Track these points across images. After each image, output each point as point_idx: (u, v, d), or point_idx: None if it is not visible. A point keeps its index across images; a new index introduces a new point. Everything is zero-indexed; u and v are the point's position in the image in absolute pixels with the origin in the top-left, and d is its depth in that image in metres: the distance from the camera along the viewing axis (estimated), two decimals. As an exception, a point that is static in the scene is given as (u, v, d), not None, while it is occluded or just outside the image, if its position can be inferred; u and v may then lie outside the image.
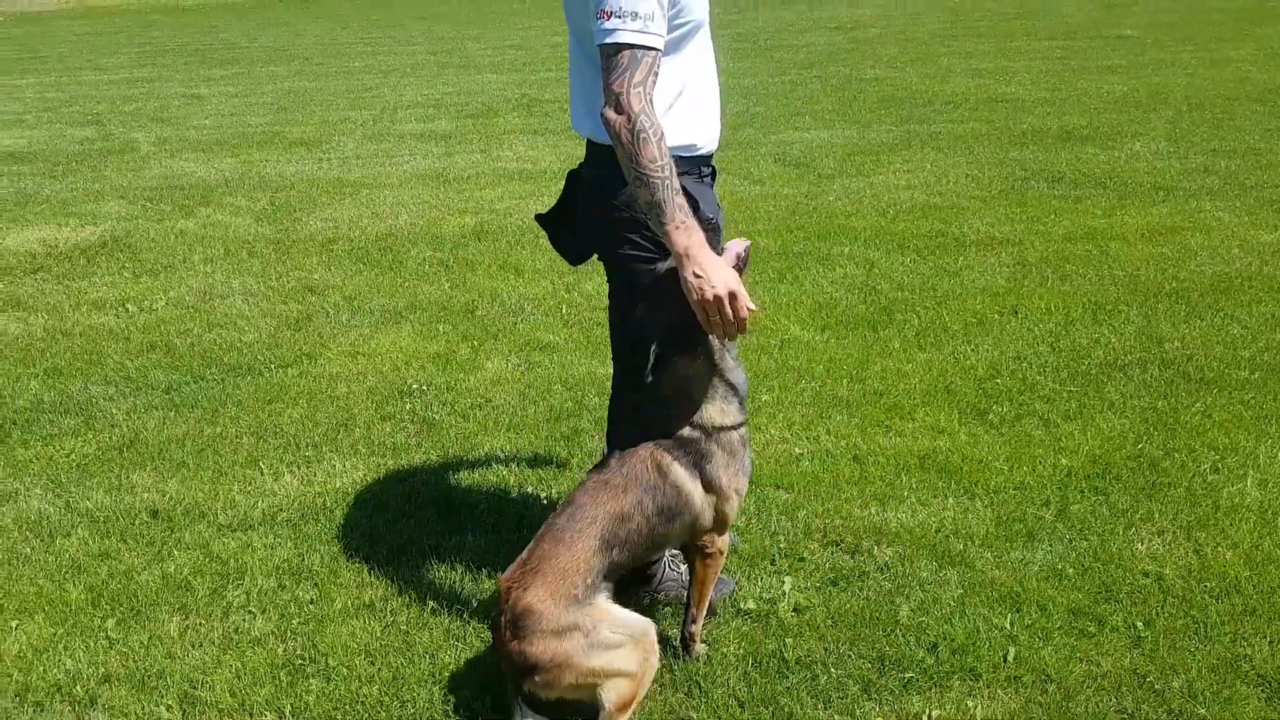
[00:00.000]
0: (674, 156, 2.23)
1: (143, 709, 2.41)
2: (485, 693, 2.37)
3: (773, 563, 2.84)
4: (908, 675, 2.40)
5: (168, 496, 3.35)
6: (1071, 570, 2.76)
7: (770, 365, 4.12)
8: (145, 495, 3.37)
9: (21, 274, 5.74)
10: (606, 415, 2.74)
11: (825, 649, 2.50)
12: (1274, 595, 2.63)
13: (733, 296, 2.13)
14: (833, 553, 2.88)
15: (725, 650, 2.50)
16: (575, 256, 2.59)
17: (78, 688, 2.48)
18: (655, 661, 2.23)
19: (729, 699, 2.35)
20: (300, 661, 2.55)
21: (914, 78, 10.87)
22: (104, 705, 2.43)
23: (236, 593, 2.84)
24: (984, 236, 5.59)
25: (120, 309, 5.12)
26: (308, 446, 3.64)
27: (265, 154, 8.62)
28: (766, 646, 2.51)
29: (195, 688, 2.47)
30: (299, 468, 3.51)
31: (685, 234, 2.12)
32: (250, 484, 3.42)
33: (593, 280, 5.15)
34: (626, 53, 2.09)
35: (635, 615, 2.26)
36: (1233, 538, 2.87)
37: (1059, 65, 11.29)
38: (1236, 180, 6.55)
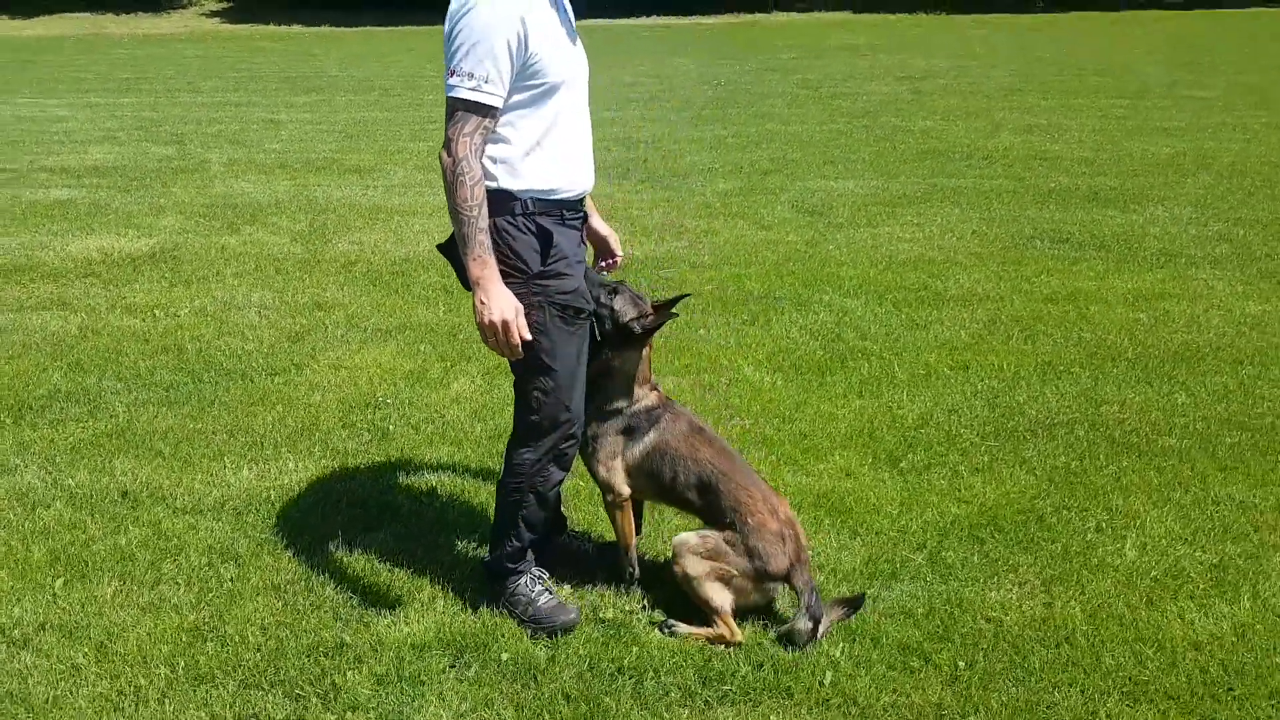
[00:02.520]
0: (533, 199, 2.61)
1: (63, 654, 2.80)
2: (353, 666, 2.70)
3: (634, 576, 3.09)
4: (726, 688, 2.63)
5: (139, 480, 3.78)
6: (920, 610, 2.95)
7: (711, 402, 4.38)
8: (121, 478, 3.80)
9: (75, 277, 6.35)
10: None
11: (662, 659, 2.74)
12: (1103, 649, 2.77)
13: (505, 325, 2.52)
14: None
15: (570, 651, 2.77)
16: (466, 282, 2.92)
17: (16, 632, 2.89)
18: None
19: (556, 694, 2.62)
20: (204, 628, 2.91)
21: (962, 131, 10.99)
22: (34, 648, 2.83)
23: (169, 566, 3.23)
24: (965, 292, 5.75)
25: (149, 314, 5.65)
26: (270, 446, 4.04)
27: (319, 179, 9.23)
28: (610, 652, 2.77)
29: (111, 640, 2.85)
30: (257, 464, 3.90)
31: (480, 266, 2.52)
32: (212, 475, 3.82)
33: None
34: (461, 105, 2.47)
35: None
36: (1087, 593, 3.02)
37: (1115, 125, 11.26)
38: (1248, 250, 6.55)
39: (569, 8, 2.75)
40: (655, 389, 3.01)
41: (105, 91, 15.96)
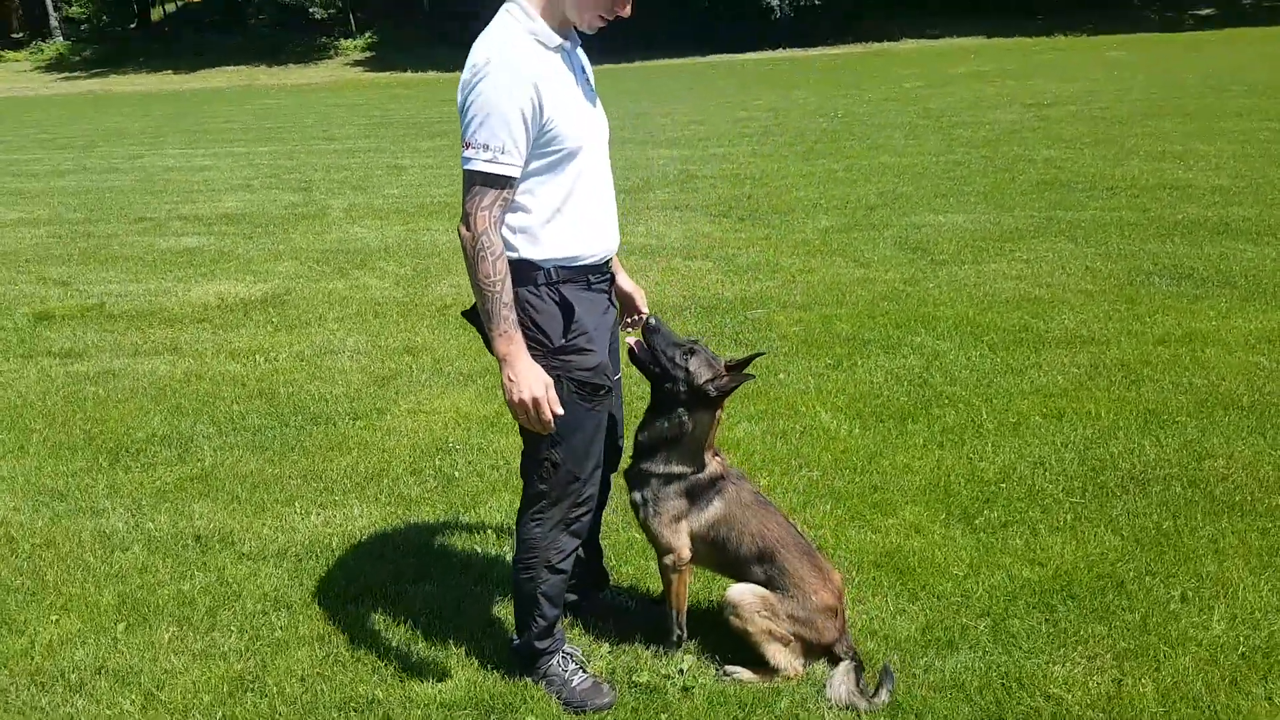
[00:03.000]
0: (556, 266, 2.57)
1: (113, 700, 2.93)
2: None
3: (682, 640, 3.01)
4: (753, 763, 2.53)
5: (213, 524, 3.95)
6: (974, 683, 2.77)
7: (782, 451, 4.26)
8: (197, 522, 3.98)
9: (190, 323, 6.75)
10: None
11: (688, 728, 2.66)
12: (1175, 735, 2.53)
13: (536, 403, 2.48)
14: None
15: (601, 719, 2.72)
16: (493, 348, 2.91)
17: (74, 675, 3.04)
18: None
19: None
20: (248, 678, 3.00)
21: (1088, 159, 10.48)
22: (87, 692, 2.97)
23: (225, 614, 3.34)
24: (1069, 334, 5.43)
25: (250, 358, 5.94)
26: (339, 491, 4.16)
27: (430, 223, 9.55)
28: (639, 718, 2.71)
29: (159, 689, 2.97)
30: (325, 509, 4.02)
31: (506, 342, 2.49)
32: (281, 520, 3.96)
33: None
34: (479, 178, 2.45)
35: None
36: (1163, 670, 2.77)
37: (1259, 151, 10.52)
38: (1401, 285, 5.97)
39: (588, 68, 2.75)
40: (718, 455, 2.95)
41: (247, 141, 17.03)
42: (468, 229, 2.47)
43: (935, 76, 20.92)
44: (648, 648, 3.00)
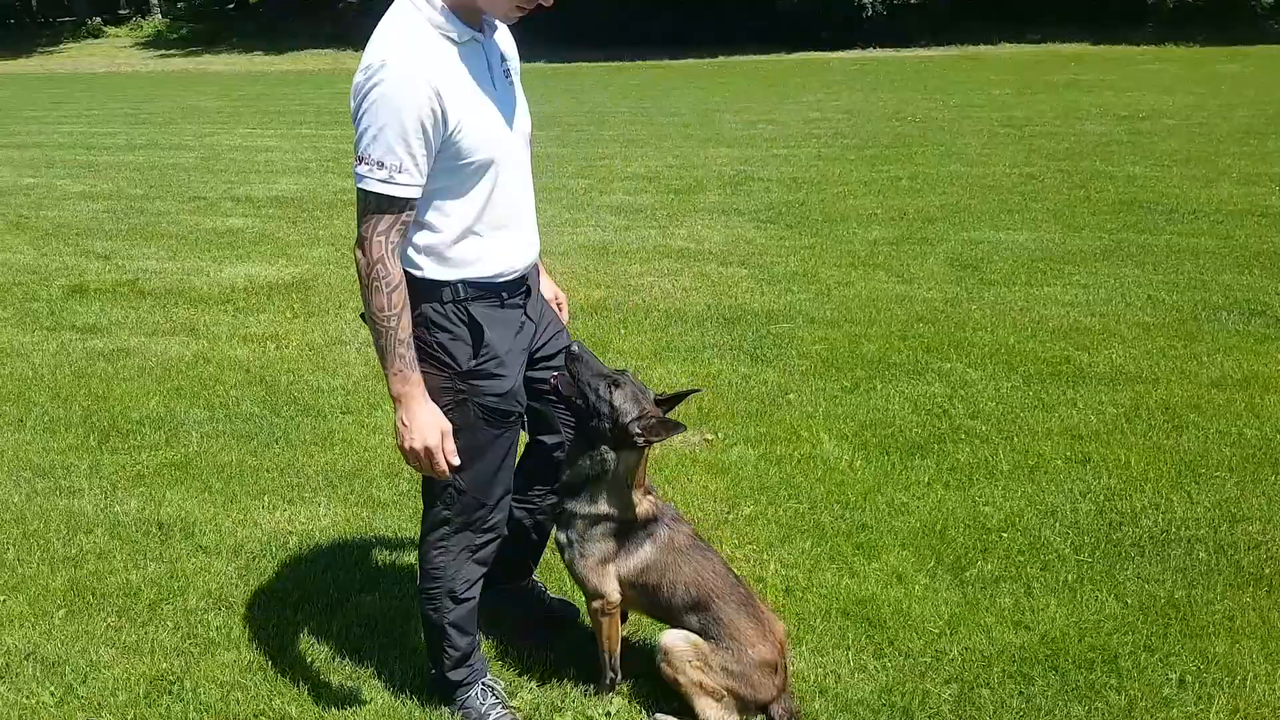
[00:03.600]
0: (465, 284, 2.40)
1: (33, 690, 2.90)
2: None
3: (615, 681, 2.85)
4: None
5: (180, 514, 3.91)
6: (923, 760, 2.54)
7: (773, 478, 4.05)
8: (165, 509, 3.95)
9: (212, 304, 6.80)
10: None
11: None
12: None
13: (428, 451, 2.32)
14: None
15: (507, 758, 2.58)
16: None
17: (2, 660, 3.02)
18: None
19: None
20: (170, 678, 2.93)
21: (1174, 179, 9.91)
22: (10, 678, 2.95)
23: (168, 608, 3.30)
24: (1114, 370, 5.08)
25: (261, 344, 5.94)
26: (311, 488, 4.09)
27: (472, 213, 9.51)
28: (550, 764, 2.56)
29: (81, 682, 2.92)
30: (292, 505, 3.96)
31: (401, 382, 2.31)
32: (246, 514, 3.90)
33: (659, 369, 5.30)
34: (373, 200, 2.23)
35: None
36: (1140, 766, 2.50)
37: (1370, 176, 9.82)
38: None
39: (511, 58, 2.51)
40: (650, 494, 2.75)
41: (316, 124, 17.29)
42: (362, 254, 2.27)
43: (1027, 83, 20.19)
44: (579, 685, 2.84)
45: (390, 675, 2.91)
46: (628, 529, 2.66)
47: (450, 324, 2.41)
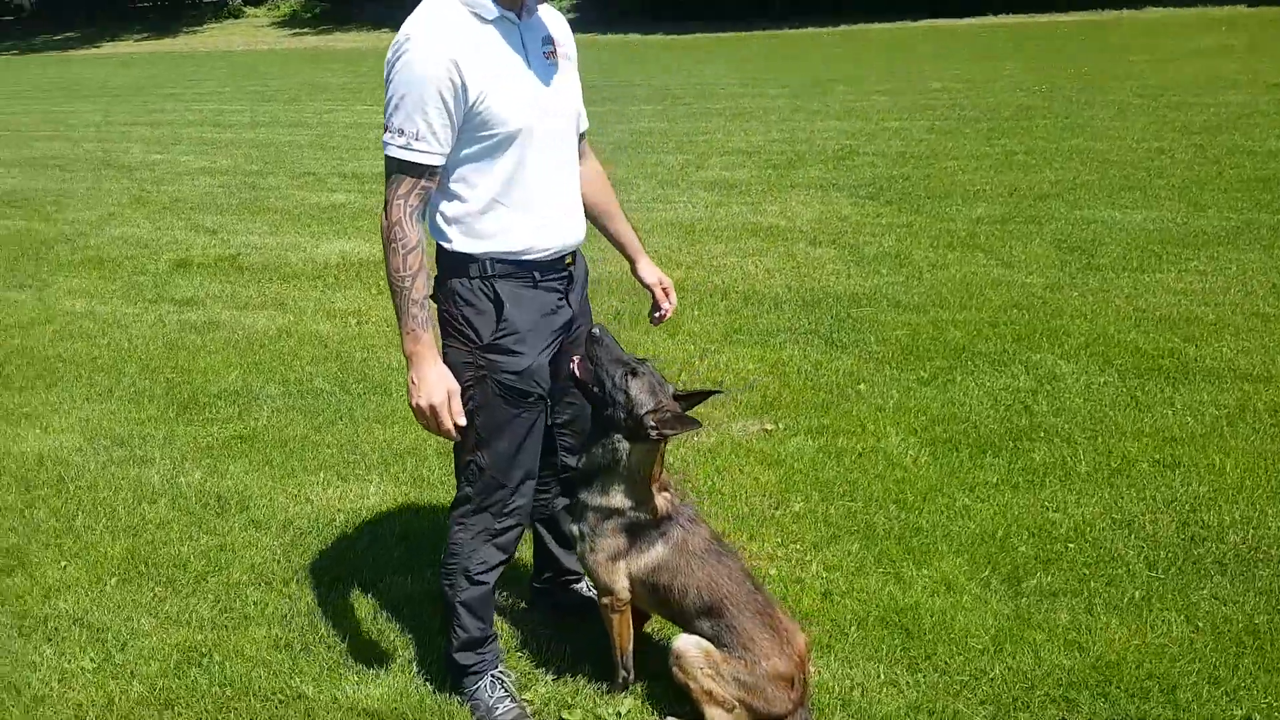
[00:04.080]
0: (494, 260, 2.42)
1: (76, 654, 3.01)
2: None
3: (629, 680, 2.78)
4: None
5: (239, 487, 4.02)
6: (944, 787, 2.39)
7: (829, 473, 3.89)
8: (226, 482, 4.07)
9: (304, 279, 6.99)
10: None
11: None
12: None
13: (434, 410, 2.36)
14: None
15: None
16: None
17: (53, 624, 3.17)
18: None
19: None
20: (201, 651, 3.01)
21: (1324, 154, 9.12)
22: (57, 642, 3.07)
23: (213, 580, 3.39)
24: (1223, 365, 4.69)
25: (343, 320, 6.07)
26: (365, 466, 4.15)
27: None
28: (552, 764, 2.51)
29: (120, 649, 3.03)
30: (345, 483, 4.02)
31: (413, 341, 2.37)
32: (301, 489, 3.98)
33: (728, 352, 5.17)
34: (394, 165, 2.32)
35: None
36: (1187, 810, 2.29)
37: None
38: None
39: (559, 40, 2.52)
40: (666, 490, 2.66)
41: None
42: (385, 216, 2.38)
43: (1169, 49, 18.93)
44: (593, 682, 2.79)
45: (410, 658, 2.92)
46: (640, 526, 2.58)
47: (475, 299, 2.45)
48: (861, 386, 4.68)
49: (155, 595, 3.31)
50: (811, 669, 2.61)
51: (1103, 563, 3.25)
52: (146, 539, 3.66)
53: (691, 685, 2.50)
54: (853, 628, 2.98)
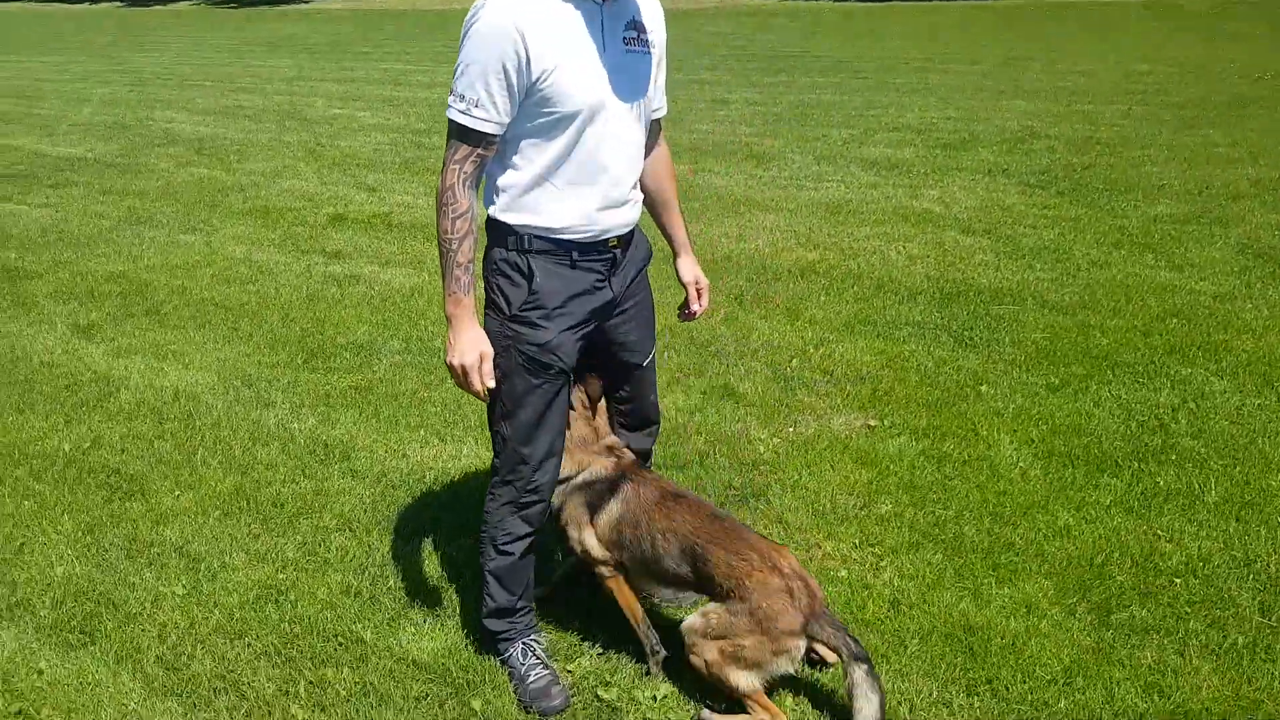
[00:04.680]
0: (533, 235, 2.48)
1: (171, 580, 3.30)
2: (353, 665, 2.83)
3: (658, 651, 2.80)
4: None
5: (345, 437, 4.26)
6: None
7: (928, 478, 3.76)
8: (336, 431, 4.33)
9: (449, 238, 7.26)
10: None
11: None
12: None
13: (464, 370, 2.45)
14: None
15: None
16: None
17: (157, 550, 3.48)
18: None
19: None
20: (278, 589, 3.23)
21: None
22: (157, 568, 3.37)
23: (304, 523, 3.62)
24: None
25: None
26: (465, 426, 4.31)
27: (715, 163, 9.44)
28: (578, 739, 2.57)
29: (210, 580, 3.30)
30: (443, 442, 4.19)
31: (453, 304, 2.48)
32: (400, 444, 4.18)
33: (846, 343, 5.04)
34: (454, 129, 2.39)
35: None
36: None
37: None
38: None
39: (650, 26, 2.52)
40: (614, 451, 2.80)
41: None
42: (441, 182, 2.44)
43: None
44: (635, 662, 2.82)
45: (467, 619, 3.03)
46: (594, 489, 2.74)
47: (510, 270, 2.52)
48: (983, 388, 4.49)
49: (250, 532, 3.57)
50: (816, 584, 2.57)
51: (1209, 602, 3.01)
52: (253, 478, 3.94)
53: (705, 658, 2.53)
54: (914, 641, 2.89)
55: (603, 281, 2.59)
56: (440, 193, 2.42)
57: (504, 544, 2.71)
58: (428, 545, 3.44)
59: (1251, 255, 6.15)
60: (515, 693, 2.73)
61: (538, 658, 2.76)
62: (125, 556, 3.43)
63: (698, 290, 2.94)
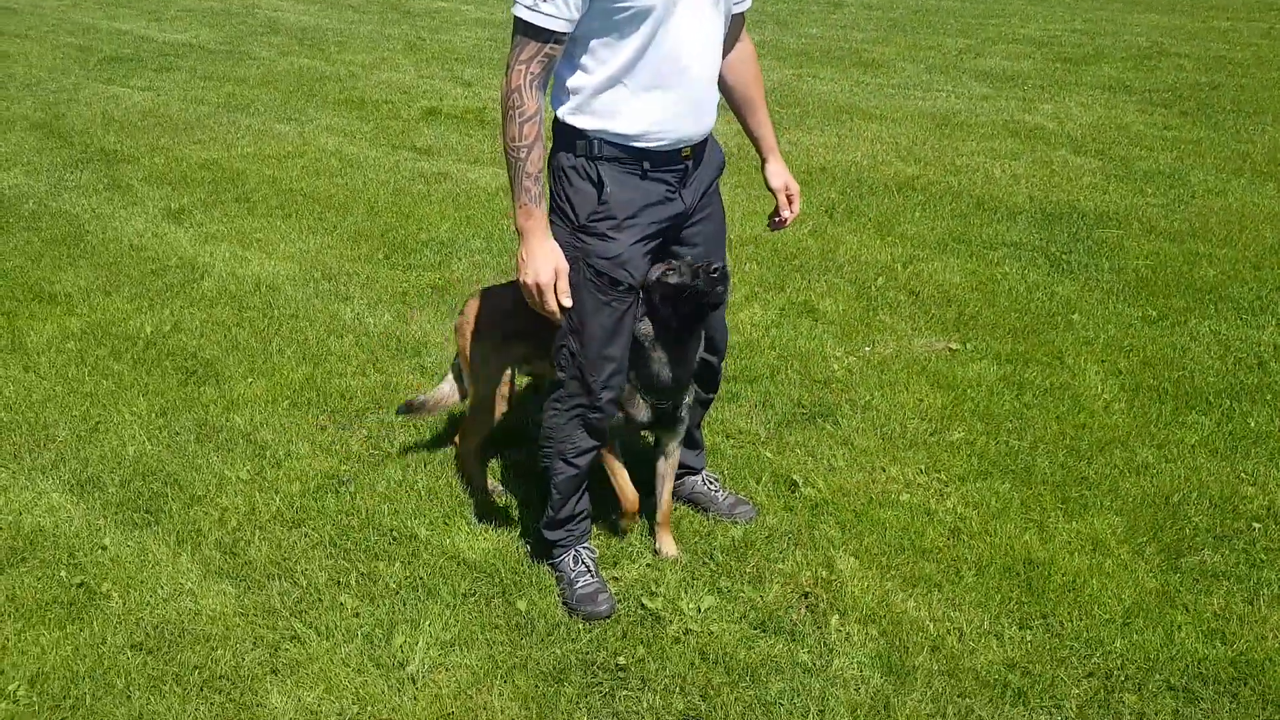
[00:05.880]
0: (604, 141, 2.37)
1: (234, 464, 3.37)
2: (406, 559, 2.91)
3: (719, 578, 2.80)
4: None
5: (418, 333, 4.28)
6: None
7: (1006, 405, 3.64)
8: (409, 327, 4.34)
9: (537, 138, 7.21)
10: None
11: (654, 668, 2.51)
12: None
13: (539, 288, 2.35)
14: (780, 598, 2.73)
15: (582, 633, 2.64)
16: None
17: (225, 435, 3.56)
18: None
19: (535, 666, 2.54)
20: (338, 480, 3.28)
21: None
22: (224, 451, 3.46)
23: (370, 418, 3.67)
24: None
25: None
26: (536, 332, 4.32)
27: (821, 69, 9.13)
28: (619, 646, 2.60)
29: (274, 466, 3.36)
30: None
31: (525, 216, 2.34)
32: (412, 379, 4.17)
33: (937, 262, 4.87)
34: (520, 26, 2.28)
35: None
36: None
37: None
38: None
39: None
40: None
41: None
42: (504, 83, 2.31)
43: None
44: (681, 574, 2.83)
45: (518, 520, 3.08)
46: None
47: (578, 177, 2.41)
48: (1075, 316, 4.30)
49: (317, 423, 3.65)
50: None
51: (1288, 553, 2.88)
52: (325, 370, 4.01)
53: None
54: (970, 572, 2.83)
55: (674, 192, 2.49)
56: (505, 96, 2.29)
57: (573, 457, 2.67)
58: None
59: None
60: (562, 597, 2.75)
61: (586, 566, 2.78)
62: (194, 440, 3.54)
63: (788, 196, 2.82)
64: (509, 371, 3.05)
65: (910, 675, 2.48)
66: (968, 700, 2.40)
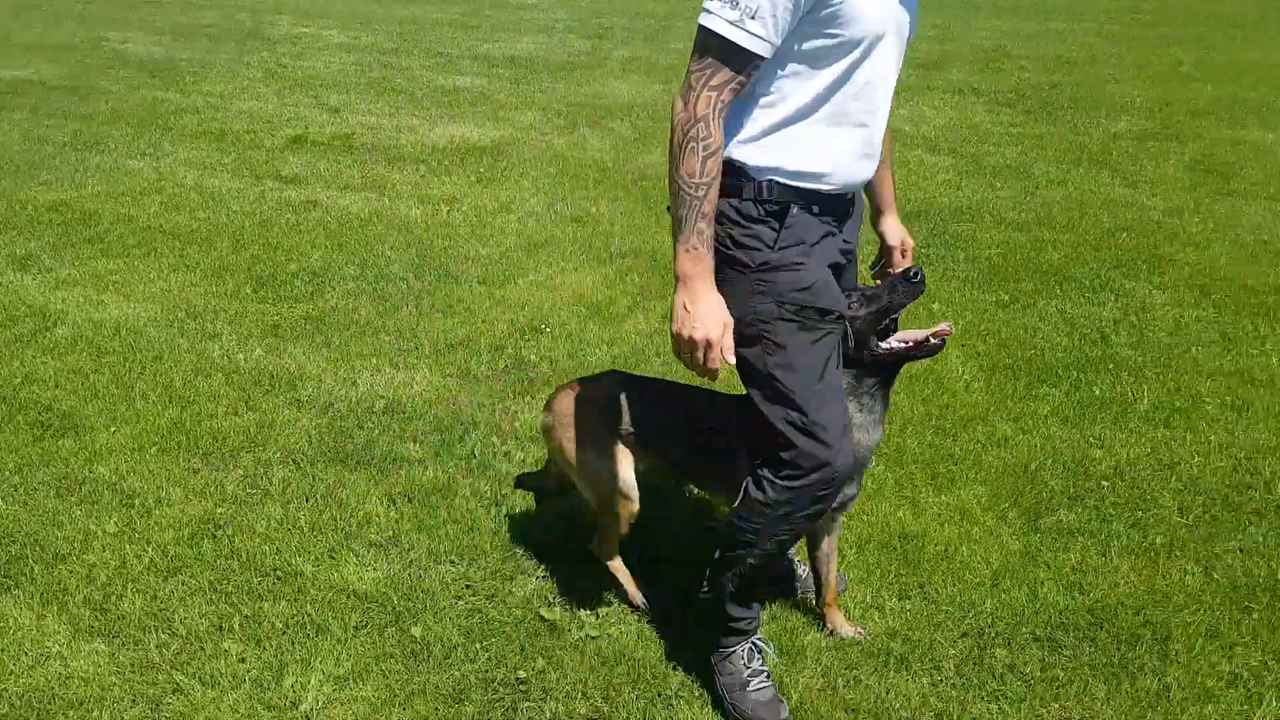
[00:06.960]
0: (775, 184, 2.09)
1: (101, 517, 3.23)
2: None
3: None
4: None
5: (292, 367, 4.18)
6: (898, 709, 2.41)
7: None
8: (284, 360, 4.23)
9: (408, 163, 7.21)
10: None
11: (555, 677, 2.56)
12: None
13: (707, 345, 2.04)
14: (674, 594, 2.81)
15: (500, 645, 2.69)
16: None
17: (88, 488, 3.41)
18: None
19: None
20: (213, 525, 3.19)
21: None
22: (88, 505, 3.30)
23: (245, 457, 3.53)
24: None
25: (435, 206, 6.25)
26: (418, 354, 4.31)
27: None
28: (522, 659, 2.65)
29: (144, 516, 3.24)
30: (396, 370, 4.18)
31: (693, 260, 2.01)
32: (350, 374, 4.16)
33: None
34: (715, 44, 1.94)
35: None
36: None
37: None
38: None
39: None
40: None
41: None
42: (683, 106, 1.96)
43: None
44: (578, 585, 2.90)
45: (411, 546, 3.05)
46: None
47: (748, 220, 2.11)
48: (935, 306, 4.55)
49: (189, 467, 3.51)
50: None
51: (1133, 505, 3.13)
52: (194, 411, 3.86)
53: None
54: (851, 550, 2.98)
55: (836, 230, 2.21)
56: (685, 124, 1.95)
57: (784, 538, 2.29)
58: (373, 475, 3.43)
59: (1202, 171, 6.21)
60: (728, 698, 2.43)
61: (762, 661, 2.47)
62: (54, 495, 3.37)
63: (902, 252, 2.60)
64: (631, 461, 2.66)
65: (801, 654, 2.59)
66: (855, 671, 2.53)
